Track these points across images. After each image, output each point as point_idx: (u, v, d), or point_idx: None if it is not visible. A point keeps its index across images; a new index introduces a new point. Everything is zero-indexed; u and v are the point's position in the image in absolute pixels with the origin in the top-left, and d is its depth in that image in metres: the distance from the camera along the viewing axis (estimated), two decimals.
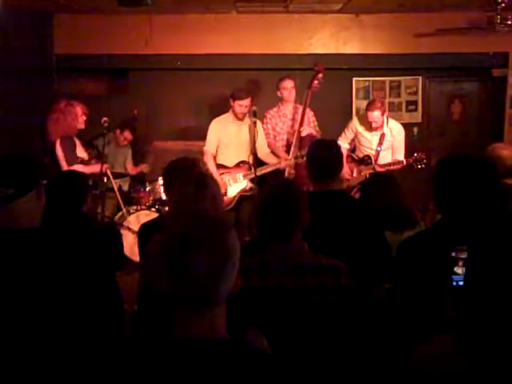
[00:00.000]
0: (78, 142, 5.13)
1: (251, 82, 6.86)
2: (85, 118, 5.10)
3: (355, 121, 5.64)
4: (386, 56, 6.98)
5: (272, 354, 1.59)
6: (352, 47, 7.00)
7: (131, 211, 5.85)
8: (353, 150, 5.78)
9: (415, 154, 5.26)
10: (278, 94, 5.63)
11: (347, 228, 2.69)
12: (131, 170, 6.45)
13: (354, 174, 5.58)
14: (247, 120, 5.33)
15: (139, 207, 5.92)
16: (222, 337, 1.36)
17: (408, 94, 7.45)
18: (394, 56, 6.99)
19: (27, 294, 1.90)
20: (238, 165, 5.32)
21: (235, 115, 5.32)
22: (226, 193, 5.16)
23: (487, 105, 7.47)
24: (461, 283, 1.83)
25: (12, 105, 5.84)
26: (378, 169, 5.33)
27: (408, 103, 7.47)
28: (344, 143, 5.63)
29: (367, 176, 5.38)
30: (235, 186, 5.31)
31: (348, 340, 2.05)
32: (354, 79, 7.37)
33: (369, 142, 5.51)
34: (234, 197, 5.30)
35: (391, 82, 7.41)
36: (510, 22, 5.82)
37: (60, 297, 2.22)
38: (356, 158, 5.66)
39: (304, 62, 6.86)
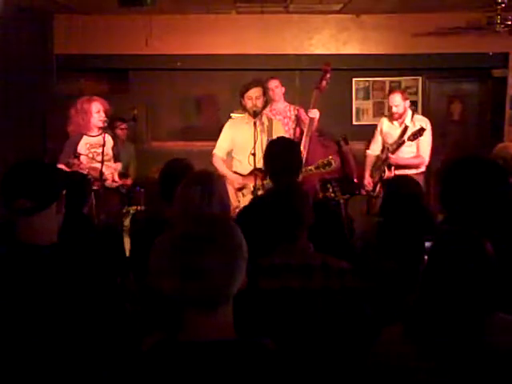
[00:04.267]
0: (84, 141, 4.87)
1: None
2: (98, 114, 4.77)
3: (383, 118, 5.58)
4: (386, 56, 6.98)
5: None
6: (352, 47, 7.00)
7: (131, 211, 5.83)
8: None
9: None
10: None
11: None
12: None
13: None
14: (265, 120, 4.74)
15: (138, 208, 5.91)
16: (231, 337, 1.35)
17: (408, 95, 7.43)
18: (394, 56, 6.99)
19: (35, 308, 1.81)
20: (252, 172, 4.53)
21: (250, 114, 4.62)
22: (239, 204, 4.53)
23: (487, 105, 7.46)
24: None
25: (12, 105, 5.83)
26: (391, 158, 5.13)
27: None
28: (374, 150, 5.52)
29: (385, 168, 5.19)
30: (248, 196, 4.56)
31: (354, 341, 2.05)
32: (354, 79, 7.36)
33: (392, 137, 5.34)
34: None
35: (391, 82, 7.40)
36: (509, 23, 5.82)
37: (62, 302, 2.19)
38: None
39: (304, 63, 6.89)
